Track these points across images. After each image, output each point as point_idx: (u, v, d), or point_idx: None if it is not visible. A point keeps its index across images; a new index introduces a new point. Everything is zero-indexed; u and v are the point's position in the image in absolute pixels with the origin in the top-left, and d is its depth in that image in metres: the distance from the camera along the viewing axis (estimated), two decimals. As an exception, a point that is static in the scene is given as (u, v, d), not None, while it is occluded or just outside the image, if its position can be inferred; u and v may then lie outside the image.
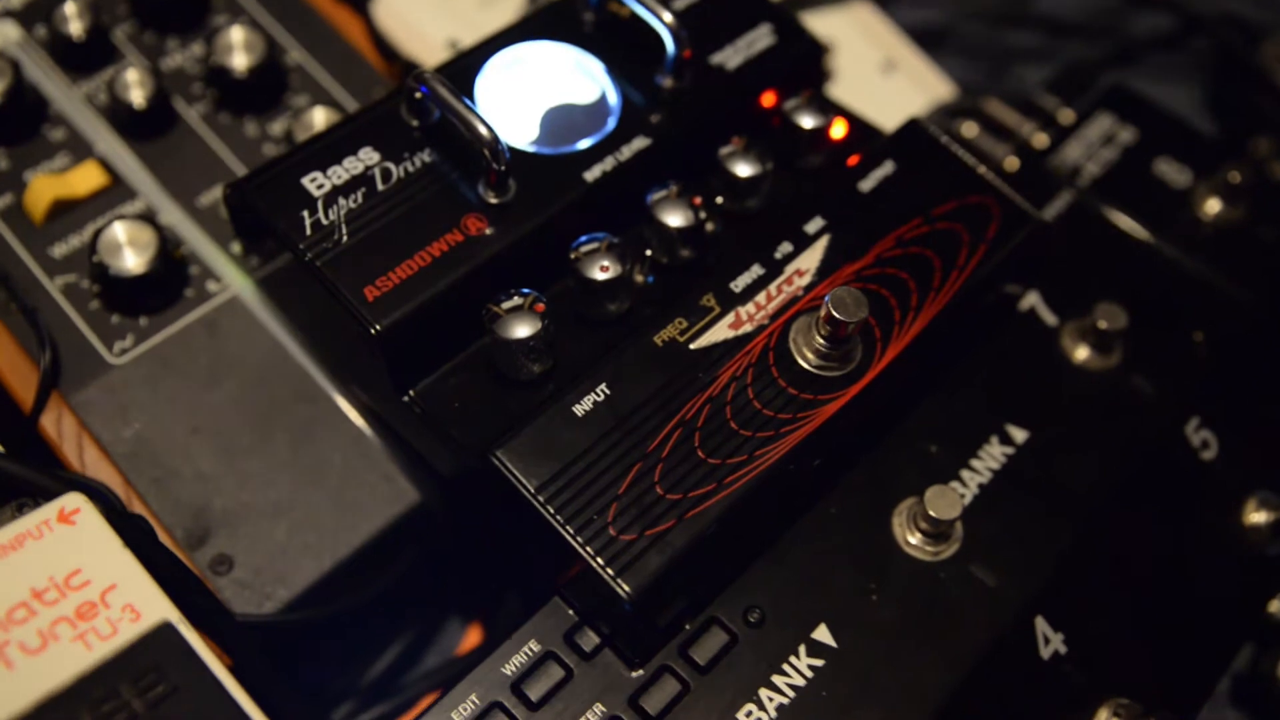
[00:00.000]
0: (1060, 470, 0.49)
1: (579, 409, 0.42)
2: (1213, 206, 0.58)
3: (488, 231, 0.46)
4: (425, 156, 0.47)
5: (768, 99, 0.54)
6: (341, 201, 0.45)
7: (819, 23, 0.69)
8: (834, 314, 0.43)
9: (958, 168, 0.51)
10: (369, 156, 0.47)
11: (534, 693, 0.42)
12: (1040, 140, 0.63)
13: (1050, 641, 0.46)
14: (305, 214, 0.45)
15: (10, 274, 0.50)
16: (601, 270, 0.45)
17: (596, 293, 0.46)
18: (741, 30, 0.53)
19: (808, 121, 0.51)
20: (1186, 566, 0.50)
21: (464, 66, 0.50)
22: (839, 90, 0.67)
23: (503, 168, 0.45)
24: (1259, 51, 0.77)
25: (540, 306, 0.44)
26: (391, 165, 0.47)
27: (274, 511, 0.49)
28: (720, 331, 0.45)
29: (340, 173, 0.46)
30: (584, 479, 0.41)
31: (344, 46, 0.60)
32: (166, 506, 0.48)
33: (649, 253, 0.48)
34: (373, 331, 0.43)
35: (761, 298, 0.46)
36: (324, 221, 0.45)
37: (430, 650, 0.55)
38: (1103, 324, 0.51)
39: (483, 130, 0.45)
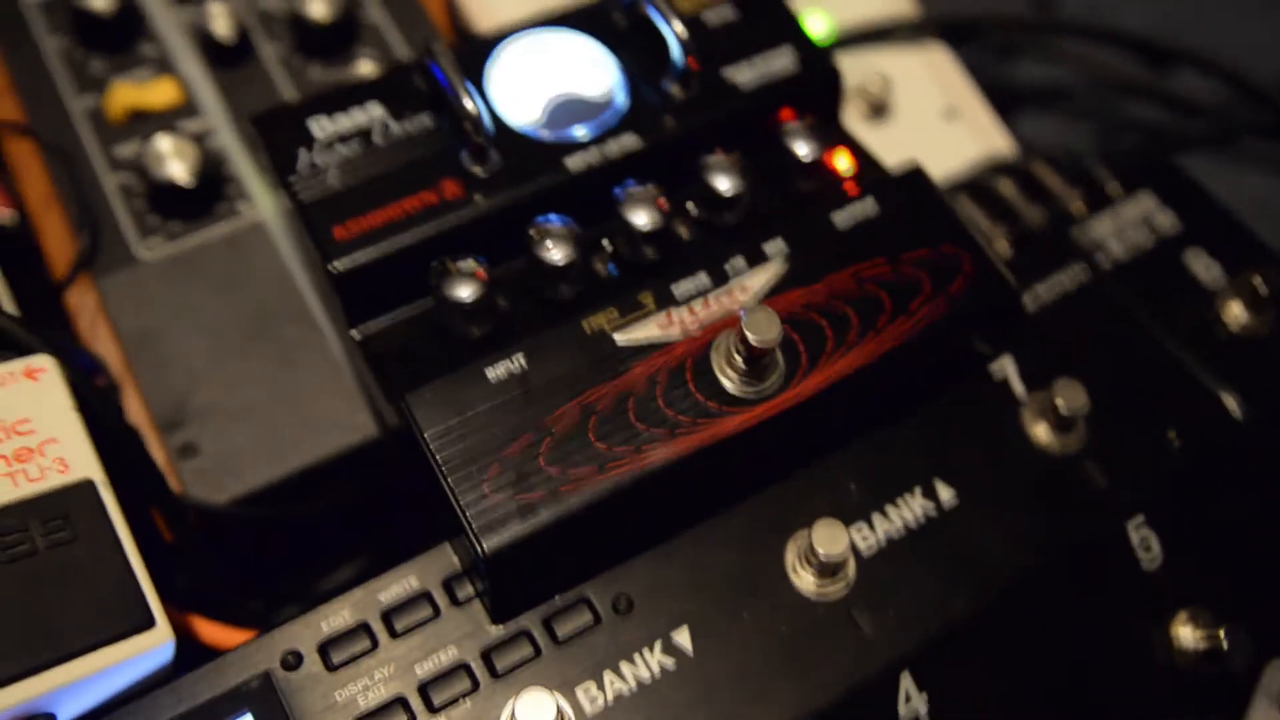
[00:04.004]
0: (978, 541, 0.49)
1: (491, 373, 0.45)
2: (1235, 311, 0.56)
3: (461, 197, 0.49)
4: (426, 120, 0.51)
5: (786, 116, 0.55)
6: (339, 147, 0.50)
7: (889, 58, 0.69)
8: (745, 331, 0.44)
9: (944, 219, 0.51)
10: (374, 111, 0.51)
11: (400, 623, 0.45)
12: (1077, 209, 0.61)
13: (912, 700, 0.46)
14: (302, 152, 0.49)
15: (75, 161, 0.57)
16: (546, 250, 0.47)
17: (544, 272, 0.48)
18: (762, 49, 0.55)
19: (800, 148, 0.52)
20: (1099, 669, 0.49)
21: (486, 43, 0.53)
22: (894, 128, 0.67)
23: (482, 141, 0.49)
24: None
25: (481, 274, 0.47)
26: (392, 122, 0.51)
27: (245, 415, 0.54)
28: (648, 329, 0.47)
29: (345, 121, 0.50)
30: (475, 436, 0.44)
31: (421, 14, 0.65)
32: (154, 390, 0.54)
33: (606, 244, 0.50)
34: (329, 268, 0.47)
35: (698, 305, 0.48)
36: (316, 162, 0.49)
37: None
38: (1060, 402, 0.50)
39: (467, 104, 0.48)
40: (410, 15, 0.64)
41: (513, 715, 0.42)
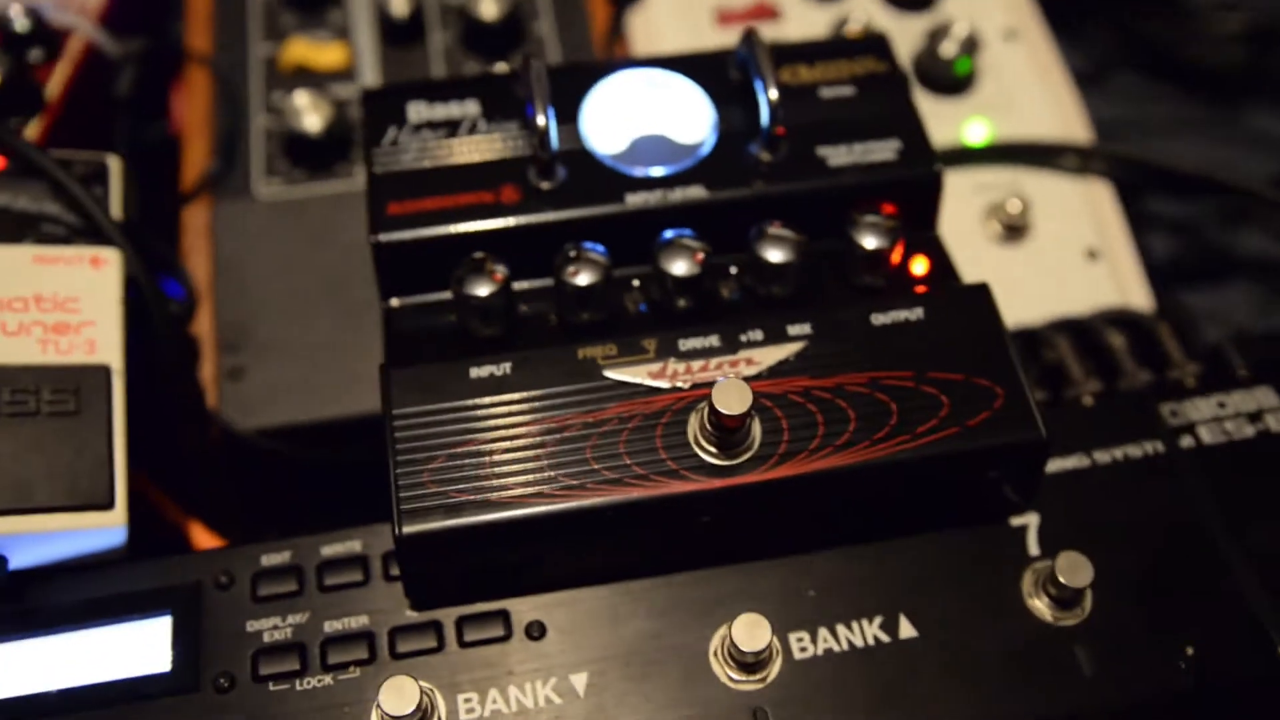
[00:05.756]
0: (922, 686, 0.45)
1: (474, 372, 0.46)
2: (1324, 540, 0.49)
3: (515, 204, 0.51)
4: (512, 127, 0.53)
5: (887, 210, 0.53)
6: (426, 133, 0.52)
7: (1046, 182, 0.65)
8: (713, 399, 0.43)
9: (992, 348, 0.48)
10: (470, 107, 0.53)
11: (330, 579, 0.47)
12: (1189, 384, 0.55)
13: (789, 825, 0.43)
14: (392, 129, 0.52)
15: (237, 96, 0.63)
16: (570, 273, 0.48)
17: (565, 293, 0.49)
18: (868, 136, 0.53)
19: (867, 241, 0.50)
20: None
21: (601, 68, 0.55)
22: (1025, 254, 0.64)
23: (547, 157, 0.50)
24: None
25: (499, 276, 0.48)
26: (482, 121, 0.53)
27: (296, 357, 0.58)
28: (638, 373, 0.47)
29: (440, 110, 0.53)
30: (437, 427, 0.45)
31: (584, 31, 0.67)
32: (225, 310, 0.59)
33: (635, 283, 0.51)
34: (371, 239, 0.50)
35: (698, 364, 0.47)
36: (400, 141, 0.52)
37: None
38: (1062, 576, 0.46)
39: (539, 118, 0.49)
40: (575, 30, 0.67)
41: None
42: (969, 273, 0.63)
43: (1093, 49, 0.97)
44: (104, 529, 0.46)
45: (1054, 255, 0.63)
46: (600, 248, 0.49)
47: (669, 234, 0.50)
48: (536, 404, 0.46)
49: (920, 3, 0.70)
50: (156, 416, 0.54)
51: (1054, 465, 0.51)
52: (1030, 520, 0.49)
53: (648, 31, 0.69)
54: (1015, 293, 0.62)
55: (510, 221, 0.50)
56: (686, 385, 0.46)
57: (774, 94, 0.51)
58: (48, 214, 0.52)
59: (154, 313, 0.52)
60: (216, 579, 0.47)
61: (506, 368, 0.47)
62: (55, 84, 0.59)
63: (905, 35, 0.69)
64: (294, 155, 0.62)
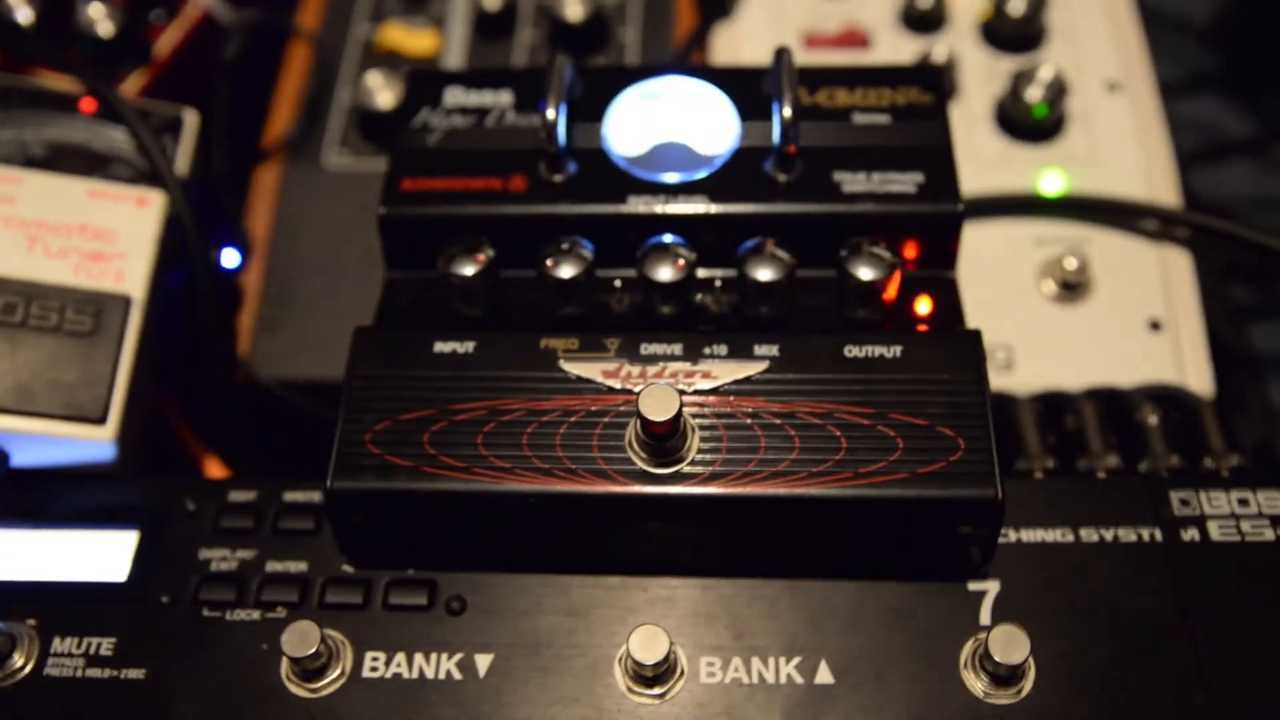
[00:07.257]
0: (828, 734, 0.43)
1: (439, 346, 0.48)
2: (1325, 666, 0.43)
3: (519, 194, 0.52)
4: (537, 120, 0.54)
5: (907, 248, 0.52)
6: (456, 118, 0.54)
7: (1122, 246, 0.60)
8: (639, 404, 0.43)
9: (967, 398, 0.45)
10: (503, 98, 0.55)
11: (284, 522, 0.49)
12: (1224, 475, 0.51)
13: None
14: (426, 110, 0.55)
15: (329, 71, 0.67)
16: (550, 265, 0.49)
17: (545, 285, 0.50)
18: (891, 167, 0.51)
19: (862, 273, 0.49)
20: None
21: (640, 72, 0.55)
22: (1081, 315, 0.61)
23: (554, 150, 0.51)
24: None
25: (482, 260, 0.49)
26: (511, 113, 0.54)
27: (327, 318, 0.61)
28: (592, 370, 0.47)
29: (475, 98, 0.55)
30: (389, 391, 0.47)
31: (667, 39, 0.68)
32: (274, 266, 0.63)
33: (617, 284, 0.51)
34: (378, 211, 0.52)
35: (654, 369, 0.47)
36: (431, 123, 0.54)
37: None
38: (995, 650, 0.43)
39: (549, 112, 0.50)
40: (660, 38, 0.68)
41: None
42: (1014, 328, 0.60)
43: (1267, 117, 0.89)
44: (94, 442, 0.50)
45: (1112, 321, 0.59)
46: (589, 244, 0.50)
47: (658, 239, 0.50)
48: (489, 385, 0.47)
49: (1020, 44, 0.67)
50: (193, 354, 0.58)
51: (1031, 535, 0.48)
52: (989, 587, 0.46)
53: (731, 47, 0.69)
54: (1062, 354, 0.59)
55: (509, 210, 0.51)
56: (637, 389, 0.46)
57: (788, 112, 0.50)
58: (120, 156, 0.57)
59: (194, 257, 0.56)
60: (186, 506, 0.50)
61: (470, 346, 0.48)
62: (165, 42, 0.64)
63: (995, 75, 0.66)
64: (365, 130, 0.65)
